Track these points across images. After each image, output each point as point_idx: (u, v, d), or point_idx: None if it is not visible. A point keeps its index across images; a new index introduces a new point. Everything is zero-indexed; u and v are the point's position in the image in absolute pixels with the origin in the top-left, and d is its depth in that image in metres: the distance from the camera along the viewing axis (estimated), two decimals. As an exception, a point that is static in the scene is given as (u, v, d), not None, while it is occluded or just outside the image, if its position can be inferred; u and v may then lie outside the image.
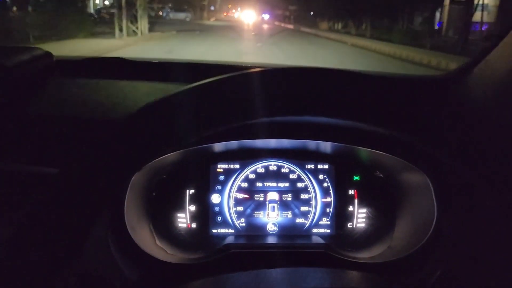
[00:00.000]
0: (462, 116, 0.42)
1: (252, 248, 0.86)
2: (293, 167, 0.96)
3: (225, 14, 53.49)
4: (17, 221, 0.34)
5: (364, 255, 0.86)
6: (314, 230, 0.96)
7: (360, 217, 0.96)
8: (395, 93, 0.41)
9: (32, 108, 0.88)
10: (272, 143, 0.94)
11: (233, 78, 0.38)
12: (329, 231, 0.96)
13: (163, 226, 0.90)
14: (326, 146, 0.93)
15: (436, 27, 17.66)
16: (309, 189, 0.96)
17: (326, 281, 0.70)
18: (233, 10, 55.89)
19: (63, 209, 0.34)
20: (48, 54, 1.03)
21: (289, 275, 0.71)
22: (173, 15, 30.63)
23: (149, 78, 1.10)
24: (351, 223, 0.96)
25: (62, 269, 0.36)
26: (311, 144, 0.93)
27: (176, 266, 0.79)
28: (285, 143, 0.93)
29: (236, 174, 0.95)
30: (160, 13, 30.40)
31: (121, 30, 12.94)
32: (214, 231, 0.95)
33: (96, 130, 0.81)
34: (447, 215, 0.78)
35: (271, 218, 0.95)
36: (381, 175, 0.94)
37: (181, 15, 30.50)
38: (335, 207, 0.96)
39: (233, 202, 0.95)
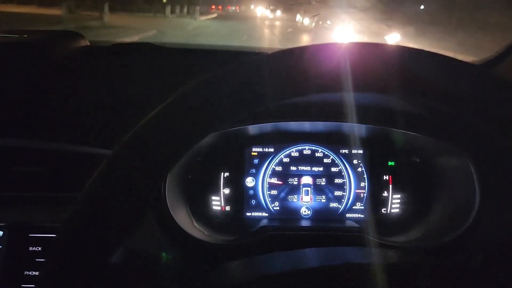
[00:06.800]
0: (506, 100, 0.41)
1: (288, 230, 0.86)
2: (327, 152, 0.96)
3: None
4: (77, 200, 0.34)
5: (399, 239, 0.86)
6: (347, 215, 0.95)
7: (394, 202, 0.95)
8: (438, 69, 0.39)
9: (69, 90, 0.88)
10: (307, 126, 0.93)
11: (269, 56, 0.37)
12: (362, 216, 0.96)
13: (199, 208, 0.91)
14: (361, 129, 0.92)
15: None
16: (343, 173, 0.95)
17: (365, 258, 0.70)
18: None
19: (122, 188, 0.34)
20: (83, 38, 1.03)
21: (327, 253, 0.71)
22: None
23: (178, 63, 1.10)
24: (385, 208, 0.95)
25: (119, 247, 0.37)
26: (346, 127, 0.92)
27: (214, 246, 0.79)
28: (320, 126, 0.93)
29: (271, 157, 0.95)
30: None
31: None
32: (248, 214, 0.95)
33: (138, 112, 0.81)
34: (488, 200, 0.77)
35: (305, 202, 0.95)
36: (417, 160, 0.93)
37: None
38: (369, 192, 0.95)
39: (267, 185, 0.95)
